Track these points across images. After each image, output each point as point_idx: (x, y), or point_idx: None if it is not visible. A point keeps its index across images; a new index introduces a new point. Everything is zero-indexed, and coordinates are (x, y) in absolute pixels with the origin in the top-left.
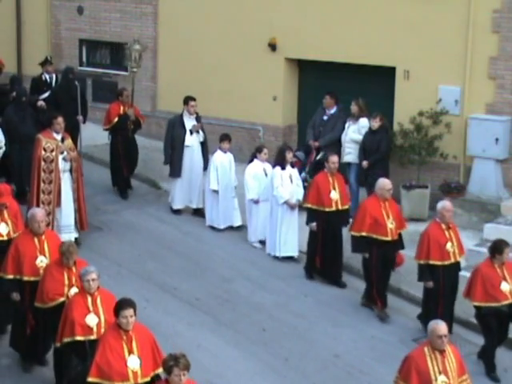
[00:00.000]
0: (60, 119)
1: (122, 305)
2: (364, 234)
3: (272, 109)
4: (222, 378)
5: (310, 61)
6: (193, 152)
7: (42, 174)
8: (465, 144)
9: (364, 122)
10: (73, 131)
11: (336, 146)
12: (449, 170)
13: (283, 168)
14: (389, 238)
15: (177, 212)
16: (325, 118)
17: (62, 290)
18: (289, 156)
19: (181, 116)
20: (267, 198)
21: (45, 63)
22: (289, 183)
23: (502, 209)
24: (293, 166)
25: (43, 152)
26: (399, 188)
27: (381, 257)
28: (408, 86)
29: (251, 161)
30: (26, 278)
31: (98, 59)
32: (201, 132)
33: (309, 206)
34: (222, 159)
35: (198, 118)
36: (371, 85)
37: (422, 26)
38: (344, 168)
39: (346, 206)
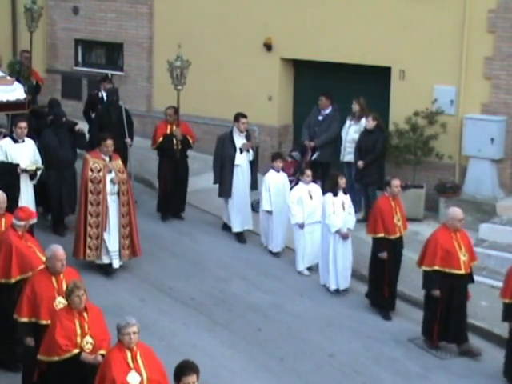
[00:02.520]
0: (109, 142)
1: (184, 370)
2: (436, 267)
3: (267, 109)
4: (217, 378)
5: (305, 61)
6: (242, 171)
7: (90, 195)
8: (460, 144)
9: (364, 122)
10: (120, 154)
11: (331, 146)
12: (444, 169)
13: (335, 194)
14: (462, 272)
15: (239, 235)
16: (320, 118)
17: (74, 339)
18: (341, 182)
19: (230, 133)
20: (314, 222)
21: (103, 80)
22: (341, 210)
23: (498, 209)
24: (345, 193)
25: (90, 172)
26: None
27: (449, 291)
28: (403, 86)
29: (296, 183)
30: (43, 322)
31: (93, 59)
32: (250, 151)
33: (377, 236)
34: (276, 179)
35: (248, 136)
36: (367, 85)
37: (417, 26)
38: (343, 167)
39: (406, 231)
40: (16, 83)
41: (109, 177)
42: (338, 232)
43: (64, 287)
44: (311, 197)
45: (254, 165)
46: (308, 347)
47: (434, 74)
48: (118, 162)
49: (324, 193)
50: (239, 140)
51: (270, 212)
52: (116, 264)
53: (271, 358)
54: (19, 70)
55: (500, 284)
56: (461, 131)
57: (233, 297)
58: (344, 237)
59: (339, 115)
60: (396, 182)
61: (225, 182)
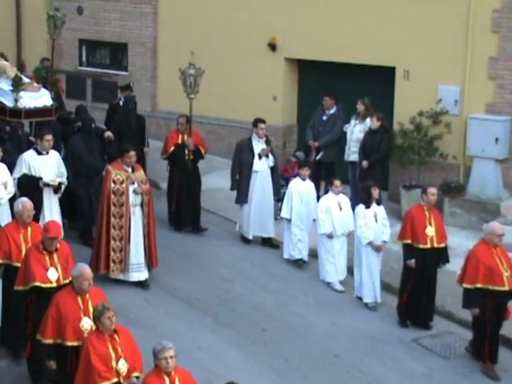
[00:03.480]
0: (132, 153)
1: None
2: (479, 285)
3: (272, 109)
4: (221, 378)
5: (309, 61)
6: (262, 177)
7: (112, 207)
8: (464, 144)
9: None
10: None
11: (335, 146)
12: (448, 169)
13: (368, 206)
14: (506, 288)
15: (247, 242)
16: (324, 118)
17: (109, 364)
18: (375, 193)
19: (249, 139)
20: (342, 233)
21: (125, 88)
22: (373, 222)
23: (502, 209)
24: (378, 204)
25: (113, 184)
26: (399, 188)
27: (495, 309)
28: (408, 86)
29: (325, 193)
30: (69, 343)
31: (97, 59)
32: (270, 156)
33: (404, 242)
34: (300, 187)
35: (267, 142)
36: (371, 85)
37: (421, 26)
38: (347, 166)
39: (443, 244)
40: (43, 89)
41: (131, 188)
42: (370, 244)
43: (90, 307)
44: (340, 208)
45: (275, 171)
46: (313, 347)
47: (439, 74)
48: (141, 173)
49: (356, 203)
50: (258, 146)
51: (288, 220)
52: (140, 277)
53: (276, 358)
54: (46, 76)
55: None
56: (465, 131)
57: (237, 297)
58: (377, 249)
59: (344, 115)
60: (432, 190)
61: (241, 188)
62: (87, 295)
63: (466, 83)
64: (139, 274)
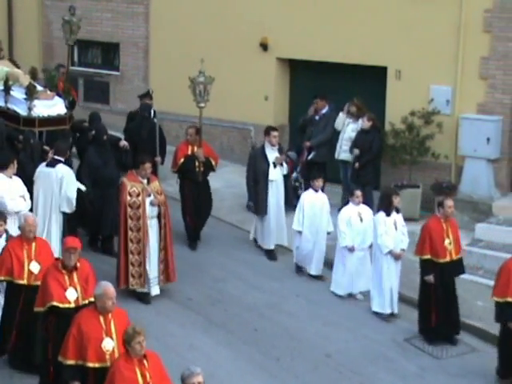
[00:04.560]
0: (148, 165)
1: None
2: (510, 299)
3: (263, 109)
4: (213, 378)
5: (301, 61)
6: (277, 186)
7: (129, 221)
8: (456, 144)
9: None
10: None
11: (327, 146)
12: (440, 169)
13: (388, 214)
14: None
15: (270, 253)
16: (316, 117)
17: None
18: (396, 201)
19: (262, 148)
20: (363, 246)
21: (144, 96)
22: (393, 230)
23: (494, 208)
24: (398, 212)
25: (129, 197)
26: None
27: None
28: (399, 86)
29: (346, 204)
30: (90, 365)
31: (89, 59)
32: (284, 165)
33: (423, 257)
34: (313, 199)
35: (280, 150)
36: (363, 85)
37: (413, 26)
38: (338, 166)
39: (459, 256)
40: (57, 98)
41: (148, 200)
42: (389, 253)
43: (112, 328)
44: (361, 219)
45: (287, 179)
46: (305, 347)
47: (430, 73)
48: (156, 184)
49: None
50: (271, 154)
51: (299, 232)
52: (155, 291)
53: (268, 358)
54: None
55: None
56: (457, 131)
57: (229, 297)
58: (397, 258)
59: (335, 115)
60: (449, 203)
61: (260, 199)
62: (109, 315)
63: (458, 83)
64: (155, 287)
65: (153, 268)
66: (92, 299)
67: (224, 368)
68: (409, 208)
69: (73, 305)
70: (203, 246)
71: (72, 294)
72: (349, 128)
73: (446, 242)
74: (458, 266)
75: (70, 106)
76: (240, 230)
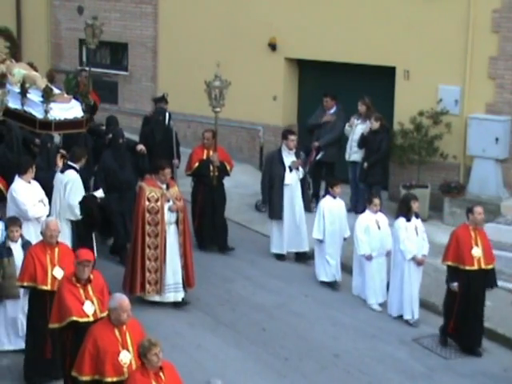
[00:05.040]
0: (167, 170)
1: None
2: (449, 263)
3: (272, 109)
4: (221, 378)
5: (309, 60)
6: (293, 191)
7: (147, 226)
8: (465, 144)
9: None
10: None
11: (335, 146)
12: (449, 169)
13: (408, 219)
14: None
15: (280, 258)
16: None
17: None
18: (414, 206)
19: (279, 151)
20: (381, 254)
21: (159, 100)
22: (414, 236)
23: (502, 208)
24: (417, 217)
25: (147, 202)
26: (399, 188)
27: None
28: (408, 86)
29: (362, 211)
30: (108, 379)
31: (97, 59)
32: (300, 168)
33: (449, 263)
34: (331, 205)
35: (297, 153)
36: (371, 85)
37: (422, 26)
38: (347, 167)
39: (491, 266)
40: (73, 101)
41: (166, 206)
42: (413, 259)
43: (128, 340)
44: (379, 227)
45: (304, 183)
46: (313, 347)
47: (439, 73)
48: (175, 189)
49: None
50: (288, 158)
51: (320, 241)
52: (177, 297)
53: (276, 358)
54: (76, 87)
55: (505, 284)
56: (465, 131)
57: (237, 297)
58: (419, 263)
59: (344, 115)
60: (479, 209)
61: (274, 203)
62: (124, 327)
63: (467, 83)
64: (176, 294)
65: (170, 274)
66: None
67: (232, 368)
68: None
69: (91, 318)
70: (211, 246)
71: (89, 308)
72: (358, 129)
73: (474, 250)
74: (489, 277)
75: (91, 110)
76: (248, 229)
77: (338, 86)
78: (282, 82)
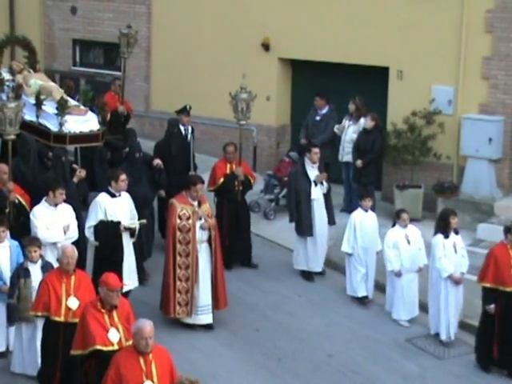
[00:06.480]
0: (199, 186)
1: None
2: (487, 284)
3: (265, 109)
4: (215, 378)
5: (303, 61)
6: (319, 206)
7: (178, 245)
8: (458, 144)
9: (363, 122)
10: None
11: (329, 146)
12: (442, 170)
13: (446, 236)
14: None
15: (306, 274)
16: (317, 118)
17: None
18: (453, 221)
19: (302, 165)
20: (411, 270)
21: (181, 112)
22: (452, 253)
23: (496, 209)
24: (456, 233)
25: (178, 220)
26: (393, 188)
27: None
28: (401, 86)
29: (392, 226)
30: None
31: (91, 59)
32: (325, 183)
33: (487, 285)
34: (363, 218)
35: (320, 167)
36: (364, 85)
37: (415, 26)
38: (341, 167)
39: None
40: (90, 113)
41: (198, 224)
42: (449, 277)
43: (153, 370)
44: (409, 241)
45: (328, 198)
46: (306, 347)
47: (432, 73)
48: (207, 206)
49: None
50: (312, 172)
51: (350, 254)
52: (209, 319)
53: (269, 358)
54: (93, 99)
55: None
56: (459, 131)
57: (231, 297)
58: (457, 282)
59: (336, 115)
60: None
61: (304, 219)
62: (150, 355)
63: (460, 83)
64: (207, 316)
65: (203, 295)
66: None
67: (226, 368)
68: (411, 209)
69: (116, 347)
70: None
71: (114, 335)
72: (350, 130)
73: None
74: None
75: (125, 120)
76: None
77: (331, 87)
78: (276, 83)
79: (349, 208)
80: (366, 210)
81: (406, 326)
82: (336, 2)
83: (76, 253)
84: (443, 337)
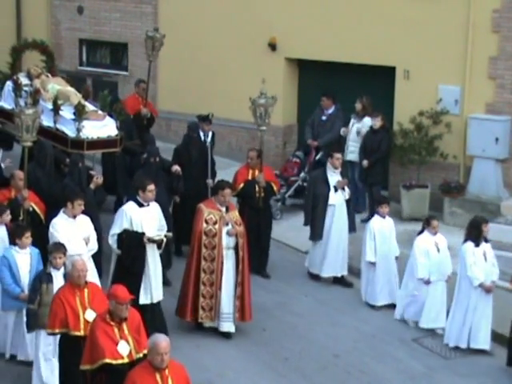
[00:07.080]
0: (227, 191)
1: None
2: None
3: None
4: (222, 378)
5: (309, 60)
6: (339, 212)
7: (204, 250)
8: (465, 144)
9: (368, 121)
10: (199, 197)
11: (336, 146)
12: (449, 169)
13: (477, 244)
14: None
15: (317, 278)
16: (323, 118)
17: None
18: (485, 229)
19: (323, 170)
20: (440, 278)
21: (203, 120)
22: (483, 262)
23: (502, 208)
24: (486, 241)
25: (205, 224)
26: (399, 188)
27: None
28: (408, 86)
29: (421, 232)
30: None
31: (97, 59)
32: (346, 189)
33: None
34: (381, 226)
35: (342, 173)
36: (371, 84)
37: (422, 26)
38: (346, 166)
39: None
40: (108, 118)
41: (225, 229)
42: (480, 286)
43: None
44: (438, 249)
45: (350, 204)
46: (313, 347)
47: (439, 73)
48: (235, 213)
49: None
50: (333, 177)
51: (373, 263)
52: (230, 328)
53: (276, 358)
54: (111, 103)
55: (505, 284)
56: (465, 131)
57: None
58: (488, 290)
59: (342, 115)
60: None
61: (316, 224)
62: (166, 371)
63: (467, 83)
64: (229, 324)
65: (226, 302)
66: (146, 352)
67: (232, 368)
68: (417, 208)
69: (126, 360)
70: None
71: (124, 348)
72: (354, 128)
73: None
74: None
75: (148, 122)
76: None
77: (338, 86)
78: (282, 82)
79: (355, 208)
80: (384, 217)
81: (440, 334)
82: (342, 1)
83: (86, 266)
84: (463, 346)
